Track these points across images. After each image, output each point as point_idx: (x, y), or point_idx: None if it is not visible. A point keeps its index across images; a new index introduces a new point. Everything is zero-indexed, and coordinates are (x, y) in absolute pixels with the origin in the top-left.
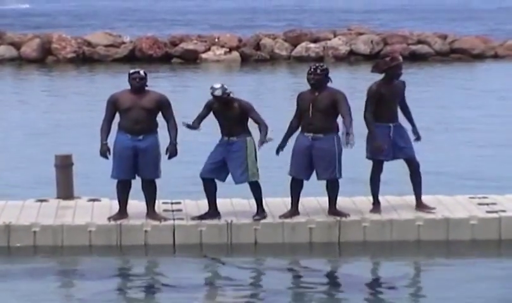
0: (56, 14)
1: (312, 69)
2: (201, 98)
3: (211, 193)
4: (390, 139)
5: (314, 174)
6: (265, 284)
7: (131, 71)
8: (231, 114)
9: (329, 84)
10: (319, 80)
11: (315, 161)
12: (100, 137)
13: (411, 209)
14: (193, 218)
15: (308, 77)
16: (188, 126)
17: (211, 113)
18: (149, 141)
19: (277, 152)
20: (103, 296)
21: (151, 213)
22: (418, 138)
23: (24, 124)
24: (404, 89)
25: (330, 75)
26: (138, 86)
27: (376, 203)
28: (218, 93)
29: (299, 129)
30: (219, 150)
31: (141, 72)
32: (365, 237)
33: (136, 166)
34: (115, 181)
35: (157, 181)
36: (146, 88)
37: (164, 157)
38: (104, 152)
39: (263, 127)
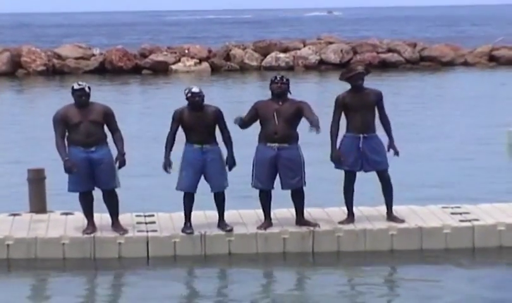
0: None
1: (278, 78)
2: (173, 108)
3: (191, 206)
4: (359, 151)
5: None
6: (239, 295)
7: (76, 88)
8: (205, 120)
9: (289, 96)
10: (284, 90)
11: (281, 171)
12: (60, 155)
13: (385, 219)
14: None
15: (274, 86)
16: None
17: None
18: (102, 151)
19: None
20: None
21: (115, 223)
22: (395, 153)
23: None
24: (377, 100)
25: (299, 84)
26: (83, 102)
27: (350, 214)
28: (195, 89)
29: (260, 139)
30: (194, 161)
31: (86, 88)
32: (339, 247)
33: (93, 178)
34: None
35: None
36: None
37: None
38: (69, 167)
39: (229, 140)
